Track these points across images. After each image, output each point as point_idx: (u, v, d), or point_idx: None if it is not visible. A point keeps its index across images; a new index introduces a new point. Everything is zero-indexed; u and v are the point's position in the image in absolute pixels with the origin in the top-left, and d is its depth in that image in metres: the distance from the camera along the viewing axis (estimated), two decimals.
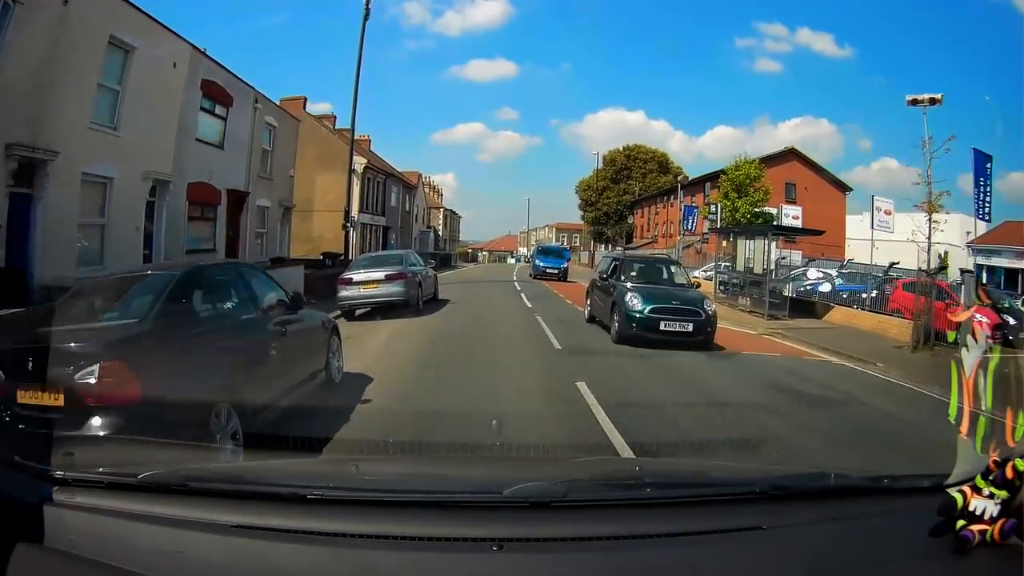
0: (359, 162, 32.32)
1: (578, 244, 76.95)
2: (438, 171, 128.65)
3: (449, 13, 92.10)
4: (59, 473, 1.57)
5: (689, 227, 38.04)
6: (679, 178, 37.61)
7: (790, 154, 40.64)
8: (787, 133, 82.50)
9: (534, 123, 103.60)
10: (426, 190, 59.87)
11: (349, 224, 21.70)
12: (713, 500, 1.72)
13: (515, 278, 30.41)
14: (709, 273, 28.48)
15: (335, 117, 37.12)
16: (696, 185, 42.84)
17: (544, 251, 34.65)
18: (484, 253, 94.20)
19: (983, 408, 1.64)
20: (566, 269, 30.80)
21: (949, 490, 1.54)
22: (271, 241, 21.96)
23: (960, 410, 1.70)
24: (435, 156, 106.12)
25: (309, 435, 4.68)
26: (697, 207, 38.63)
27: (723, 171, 34.50)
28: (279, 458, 3.38)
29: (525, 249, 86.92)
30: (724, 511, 1.65)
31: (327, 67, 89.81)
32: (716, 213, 33.08)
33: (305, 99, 33.26)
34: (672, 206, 48.50)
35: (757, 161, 34.82)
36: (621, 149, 58.45)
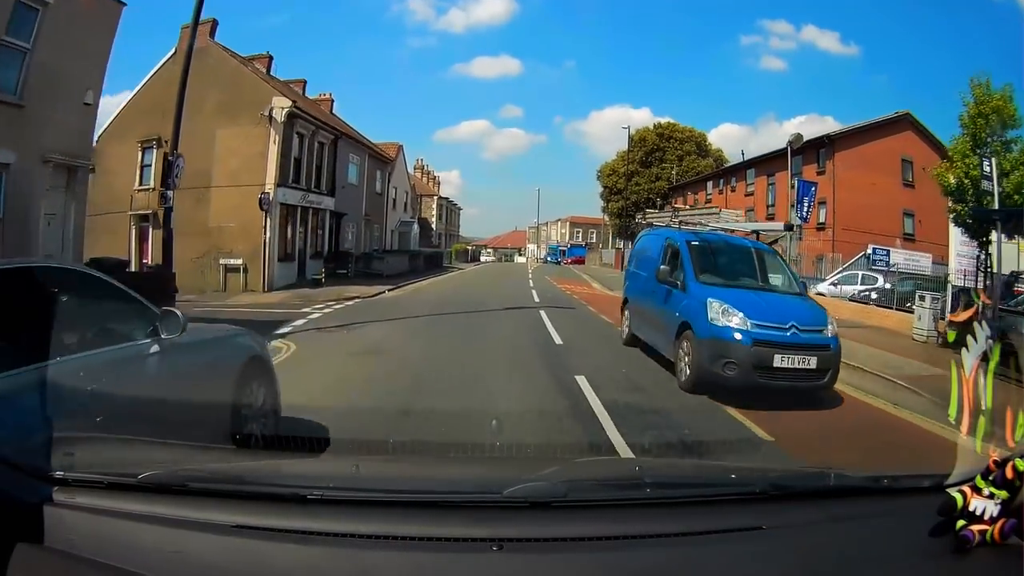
0: (280, 104, 19.92)
1: (594, 240, 69.92)
2: (442, 168, 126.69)
3: (453, 11, 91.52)
4: (59, 473, 1.57)
5: (803, 215, 20.25)
6: (791, 140, 22.16)
7: (903, 121, 28.14)
8: (792, 131, 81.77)
9: (539, 120, 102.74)
10: (416, 173, 50.58)
11: (171, 192, 11.54)
12: (713, 500, 1.72)
13: (536, 298, 18.64)
14: (845, 289, 17.68)
15: (270, 57, 25.01)
16: (766, 164, 31.03)
17: (709, 252, 8.12)
18: (489, 250, 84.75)
19: (983, 408, 1.64)
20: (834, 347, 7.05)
21: (949, 490, 1.54)
22: (24, 237, 10.91)
23: (960, 410, 1.70)
24: (439, 153, 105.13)
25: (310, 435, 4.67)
26: (815, 183, 22.01)
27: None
28: (279, 458, 3.38)
29: (535, 246, 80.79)
30: (724, 511, 1.65)
31: (328, 62, 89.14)
32: (991, 173, 14.26)
33: (215, 23, 21.04)
34: (736, 190, 36.36)
35: (1010, 89, 16.87)
36: (652, 128, 49.11)
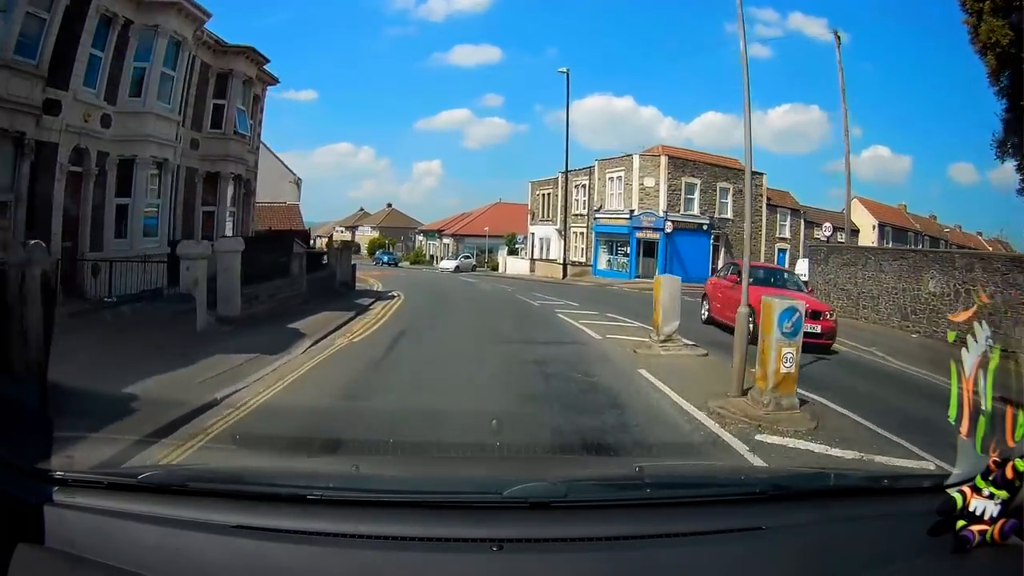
0: None
1: (729, 214, 31.36)
2: (423, 158, 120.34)
3: None
4: (59, 473, 1.57)
5: None
6: None
7: None
8: (777, 119, 74.38)
9: (520, 109, 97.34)
10: None
11: None
12: (713, 500, 1.72)
13: None
14: None
15: None
16: None
17: None
18: (446, 241, 50.33)
19: (983, 408, 1.64)
20: None
21: (949, 490, 1.54)
22: None
23: (960, 410, 1.70)
24: (420, 143, 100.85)
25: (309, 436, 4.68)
26: None
27: None
28: (279, 458, 3.38)
29: (549, 227, 37.47)
30: (724, 511, 1.65)
31: (305, 51, 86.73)
32: None
33: None
34: None
35: None
36: None
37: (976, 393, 1.68)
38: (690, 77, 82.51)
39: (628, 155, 31.83)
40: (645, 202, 30.46)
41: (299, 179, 31.60)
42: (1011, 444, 1.53)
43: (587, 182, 33.17)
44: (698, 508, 1.67)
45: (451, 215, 55.21)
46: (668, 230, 29.39)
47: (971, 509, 1.42)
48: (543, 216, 39.81)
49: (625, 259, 31.10)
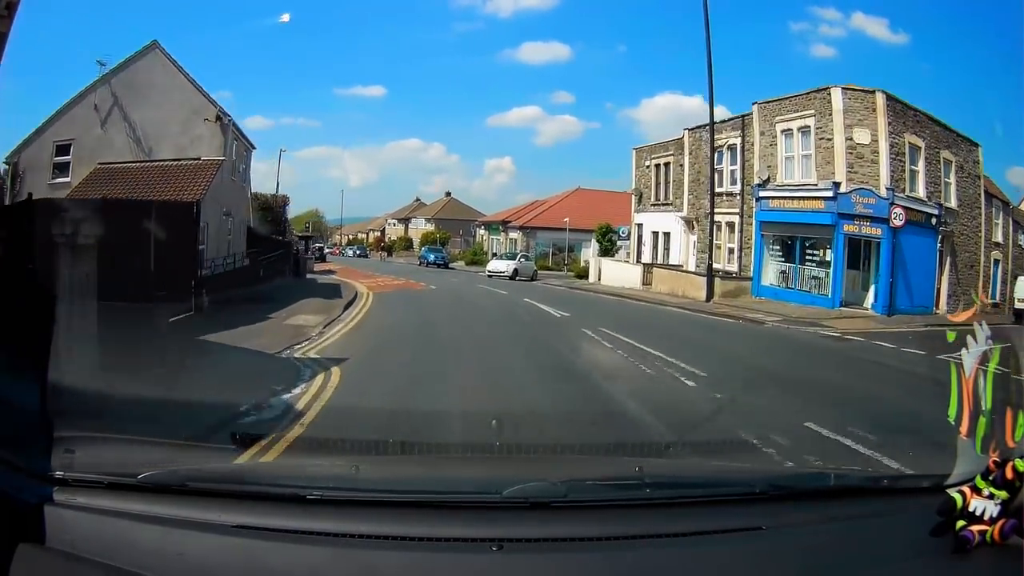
0: None
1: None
2: (494, 155, 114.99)
3: None
4: (59, 473, 1.57)
5: None
6: None
7: None
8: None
9: (592, 107, 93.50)
10: None
11: None
12: (713, 500, 1.72)
13: None
14: None
15: None
16: None
17: None
18: (513, 236, 37.07)
19: (983, 408, 1.65)
20: None
21: (949, 490, 1.54)
22: None
23: (960, 410, 1.70)
24: (491, 139, 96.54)
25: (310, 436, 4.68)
26: None
27: None
28: (278, 459, 3.38)
29: (677, 216, 22.97)
30: (724, 511, 1.65)
31: (373, 52, 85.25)
32: None
33: None
34: None
35: None
36: None
37: (976, 393, 1.68)
38: (756, 76, 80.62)
39: (822, 88, 17.81)
40: (857, 172, 16.95)
41: (225, 115, 16.80)
42: (1011, 444, 1.53)
43: (738, 141, 19.70)
44: (698, 508, 1.67)
45: (520, 205, 42.14)
46: (898, 223, 16.17)
47: (971, 509, 1.42)
48: (658, 198, 25.24)
49: (821, 271, 17.59)
